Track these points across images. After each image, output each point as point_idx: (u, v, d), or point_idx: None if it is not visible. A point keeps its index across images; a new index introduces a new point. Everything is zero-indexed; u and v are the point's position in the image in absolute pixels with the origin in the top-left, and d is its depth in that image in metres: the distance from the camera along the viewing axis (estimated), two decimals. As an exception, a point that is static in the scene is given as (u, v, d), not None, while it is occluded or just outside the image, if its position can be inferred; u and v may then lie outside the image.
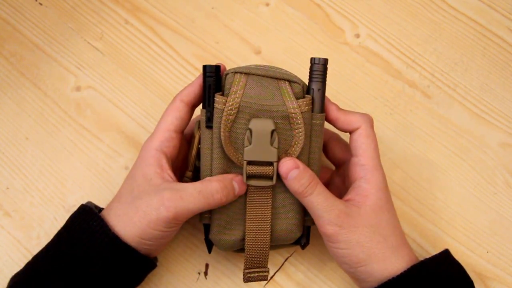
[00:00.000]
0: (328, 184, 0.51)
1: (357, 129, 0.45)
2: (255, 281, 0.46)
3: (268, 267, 0.46)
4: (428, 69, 0.60)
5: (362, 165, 0.45)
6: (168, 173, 0.44)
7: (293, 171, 0.43)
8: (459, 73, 0.60)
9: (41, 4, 0.62)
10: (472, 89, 0.59)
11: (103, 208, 0.46)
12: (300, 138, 0.43)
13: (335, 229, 0.43)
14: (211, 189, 0.43)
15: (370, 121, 0.46)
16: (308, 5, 0.62)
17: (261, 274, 0.46)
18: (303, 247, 0.48)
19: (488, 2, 0.63)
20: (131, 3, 0.62)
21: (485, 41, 0.61)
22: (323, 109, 0.45)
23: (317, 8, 0.62)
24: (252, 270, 0.46)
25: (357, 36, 0.61)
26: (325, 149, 0.51)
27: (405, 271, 0.43)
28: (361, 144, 0.45)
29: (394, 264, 0.43)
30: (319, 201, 0.43)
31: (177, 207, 0.42)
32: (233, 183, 0.43)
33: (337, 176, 0.50)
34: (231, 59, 0.60)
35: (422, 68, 0.60)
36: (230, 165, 0.44)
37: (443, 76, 0.60)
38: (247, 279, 0.46)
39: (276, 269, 0.51)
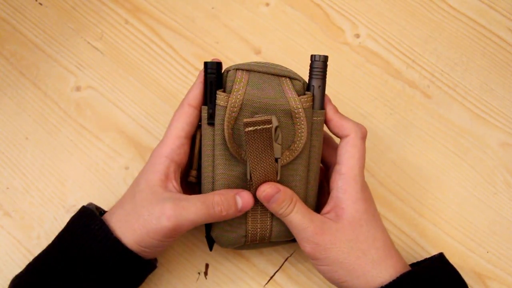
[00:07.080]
0: (320, 186, 0.51)
1: (347, 136, 0.45)
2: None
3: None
4: (428, 69, 0.60)
5: (342, 174, 0.44)
6: (173, 183, 0.44)
7: (277, 195, 0.43)
8: (459, 73, 0.60)
9: (41, 4, 0.62)
10: (472, 89, 0.59)
11: (104, 210, 0.46)
12: (303, 134, 0.43)
13: (312, 246, 0.43)
14: (212, 201, 0.42)
15: (362, 132, 0.45)
16: (308, 5, 0.62)
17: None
18: None
19: (488, 2, 0.63)
20: (131, 3, 0.62)
21: (485, 41, 0.61)
22: (323, 106, 0.45)
23: (317, 8, 0.62)
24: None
25: (357, 36, 0.61)
26: None
27: (389, 283, 0.42)
28: (345, 152, 0.44)
29: (376, 278, 0.42)
30: (297, 220, 0.43)
31: (178, 217, 0.41)
32: (236, 197, 0.43)
33: (325, 179, 0.50)
34: (231, 59, 0.60)
35: (422, 68, 0.60)
36: (233, 162, 0.44)
37: (443, 76, 0.60)
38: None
39: (276, 269, 0.51)
